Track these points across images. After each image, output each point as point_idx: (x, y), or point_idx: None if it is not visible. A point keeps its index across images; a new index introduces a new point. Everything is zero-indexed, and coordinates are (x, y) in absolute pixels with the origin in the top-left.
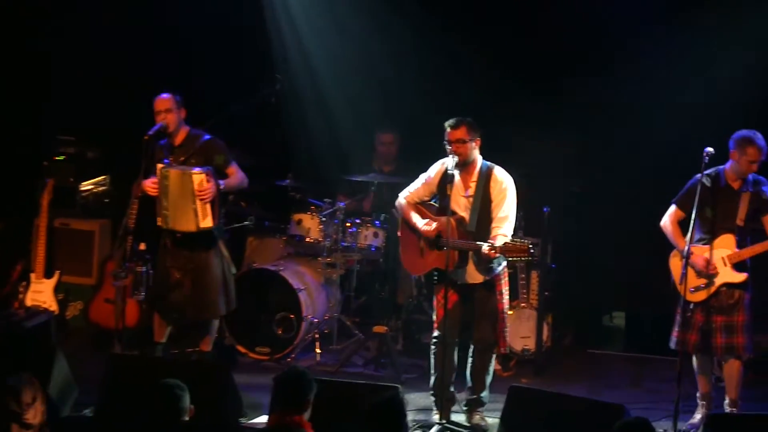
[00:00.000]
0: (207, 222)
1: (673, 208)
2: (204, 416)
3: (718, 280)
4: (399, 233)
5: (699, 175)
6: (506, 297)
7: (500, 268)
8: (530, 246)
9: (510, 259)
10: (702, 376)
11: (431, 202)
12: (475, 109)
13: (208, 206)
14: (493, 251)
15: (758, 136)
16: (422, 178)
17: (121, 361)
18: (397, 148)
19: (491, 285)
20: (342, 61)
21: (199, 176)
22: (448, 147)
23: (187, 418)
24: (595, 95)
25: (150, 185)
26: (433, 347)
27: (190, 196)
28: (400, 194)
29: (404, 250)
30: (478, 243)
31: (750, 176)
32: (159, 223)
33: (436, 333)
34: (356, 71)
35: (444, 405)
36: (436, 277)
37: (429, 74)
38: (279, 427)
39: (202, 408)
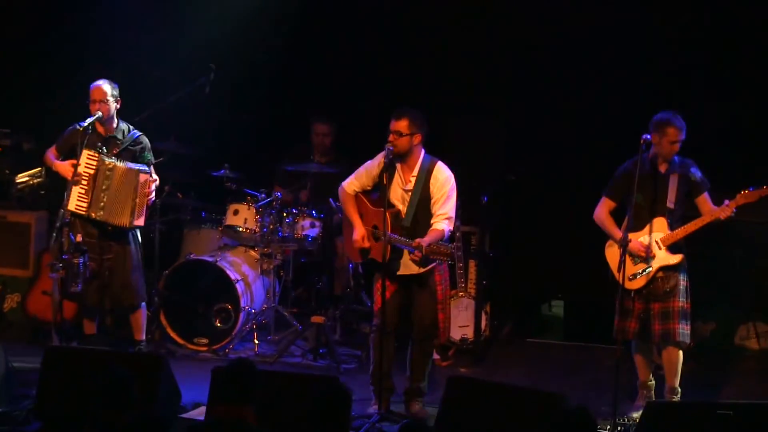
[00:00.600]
0: (140, 221)
1: (603, 199)
2: (142, 408)
3: (655, 264)
4: (342, 219)
5: (626, 164)
6: (445, 287)
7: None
8: (453, 250)
9: (434, 260)
10: (641, 363)
11: (373, 191)
12: (414, 97)
13: (145, 207)
14: (419, 253)
15: (676, 116)
16: (365, 166)
17: (59, 354)
18: (333, 140)
19: (429, 275)
20: (277, 48)
21: (145, 176)
22: (389, 135)
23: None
24: (533, 84)
25: (81, 171)
26: (371, 336)
27: (132, 193)
28: (343, 182)
29: (347, 237)
30: (408, 241)
31: (677, 158)
32: (79, 211)
33: (375, 321)
34: (292, 59)
35: (383, 395)
36: (373, 267)
37: (366, 62)
38: (224, 419)
39: (140, 399)
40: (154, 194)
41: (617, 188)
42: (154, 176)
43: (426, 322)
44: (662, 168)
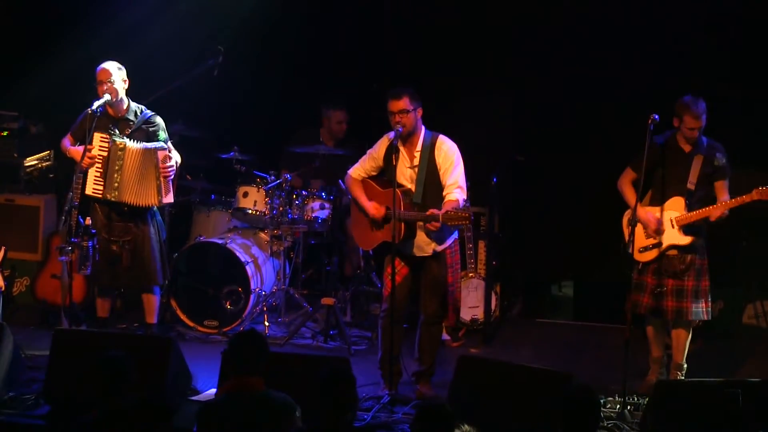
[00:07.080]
0: (169, 198)
1: (626, 169)
2: (151, 391)
3: (665, 241)
4: (351, 205)
5: (656, 137)
6: (456, 270)
7: (450, 240)
8: (470, 213)
9: (452, 226)
10: (654, 339)
11: (380, 175)
12: (421, 80)
13: (170, 183)
14: (436, 223)
15: (696, 103)
16: (369, 152)
17: (68, 337)
18: (347, 125)
19: (441, 257)
20: (287, 32)
21: (162, 152)
22: (391, 118)
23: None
24: (541, 62)
25: (95, 153)
26: (380, 321)
27: (154, 172)
28: (349, 169)
29: (355, 225)
30: (421, 214)
31: (705, 140)
32: (96, 194)
33: (384, 306)
34: (302, 40)
35: (393, 379)
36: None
37: (372, 43)
38: (235, 392)
39: (149, 382)
40: (175, 169)
41: (640, 160)
42: (174, 154)
43: (435, 306)
44: (686, 148)
